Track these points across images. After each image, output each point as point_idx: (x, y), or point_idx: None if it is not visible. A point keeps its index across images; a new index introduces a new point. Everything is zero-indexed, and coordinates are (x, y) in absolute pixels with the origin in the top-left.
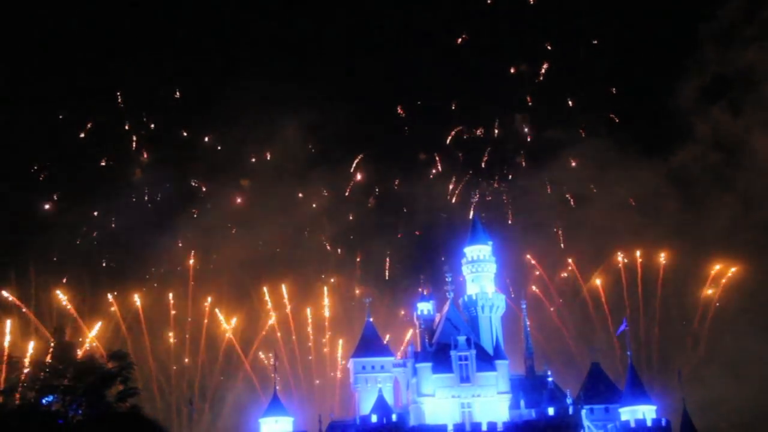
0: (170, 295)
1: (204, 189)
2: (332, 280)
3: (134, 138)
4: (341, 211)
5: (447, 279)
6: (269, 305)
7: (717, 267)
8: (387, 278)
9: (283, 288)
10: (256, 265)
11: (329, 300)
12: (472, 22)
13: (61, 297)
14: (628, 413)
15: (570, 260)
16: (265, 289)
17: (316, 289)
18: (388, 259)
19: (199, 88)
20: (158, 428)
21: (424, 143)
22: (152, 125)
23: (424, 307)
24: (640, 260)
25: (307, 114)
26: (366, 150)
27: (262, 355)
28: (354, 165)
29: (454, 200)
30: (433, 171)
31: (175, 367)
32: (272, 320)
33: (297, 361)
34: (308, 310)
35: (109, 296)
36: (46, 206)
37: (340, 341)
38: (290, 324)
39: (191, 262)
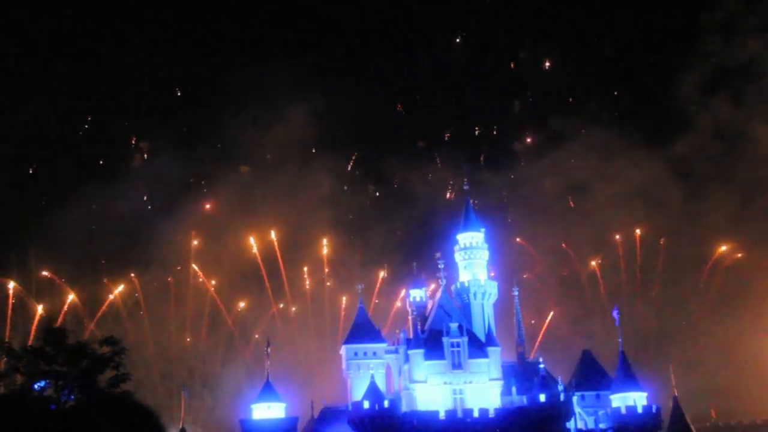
0: (169, 281)
1: (205, 176)
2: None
3: (134, 138)
4: (342, 200)
5: (439, 266)
6: (254, 249)
7: (723, 248)
8: (385, 266)
9: (272, 234)
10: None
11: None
12: (473, 18)
13: (59, 283)
14: (619, 400)
15: (564, 245)
16: (251, 239)
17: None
18: (386, 247)
19: (200, 74)
20: (149, 413)
21: (424, 137)
22: (152, 114)
23: (417, 294)
24: (639, 248)
25: (310, 102)
26: (366, 142)
27: (257, 336)
28: (354, 158)
29: (451, 191)
30: (432, 167)
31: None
32: (277, 308)
33: (295, 341)
34: (305, 269)
35: (105, 281)
36: (44, 200)
37: (344, 298)
38: (282, 276)
39: (192, 247)
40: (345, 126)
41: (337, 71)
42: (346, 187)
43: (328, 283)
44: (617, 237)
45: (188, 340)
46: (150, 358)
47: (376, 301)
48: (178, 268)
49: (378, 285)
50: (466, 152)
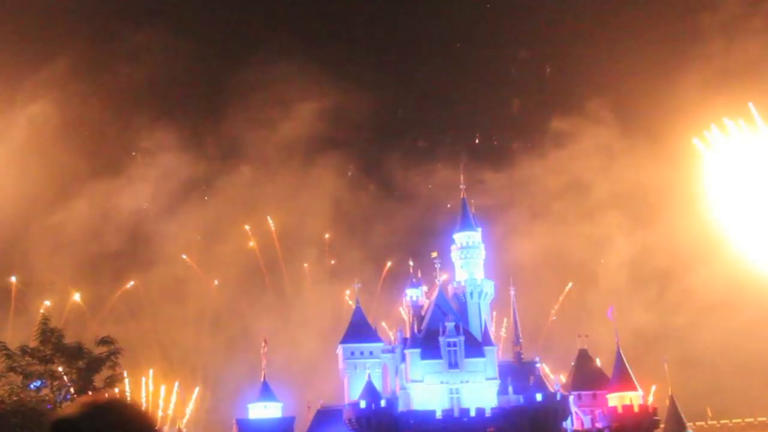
0: (171, 280)
1: (208, 175)
2: (333, 262)
3: (137, 136)
4: (343, 199)
5: (436, 265)
6: (250, 240)
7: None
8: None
9: (269, 220)
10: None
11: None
12: (473, 21)
13: (62, 283)
14: (616, 399)
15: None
16: (247, 226)
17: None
18: (386, 246)
19: (205, 71)
20: (140, 412)
21: (425, 137)
22: (156, 111)
23: (414, 294)
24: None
25: (315, 102)
26: (369, 142)
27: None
28: (356, 157)
29: (450, 197)
30: (432, 166)
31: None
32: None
33: (294, 340)
34: (305, 266)
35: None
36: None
37: (347, 291)
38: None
39: (195, 246)
40: (348, 126)
41: (343, 71)
42: (347, 187)
43: (333, 264)
44: (616, 241)
45: (190, 339)
46: (152, 358)
47: (378, 296)
48: (180, 267)
49: (382, 278)
50: (466, 152)
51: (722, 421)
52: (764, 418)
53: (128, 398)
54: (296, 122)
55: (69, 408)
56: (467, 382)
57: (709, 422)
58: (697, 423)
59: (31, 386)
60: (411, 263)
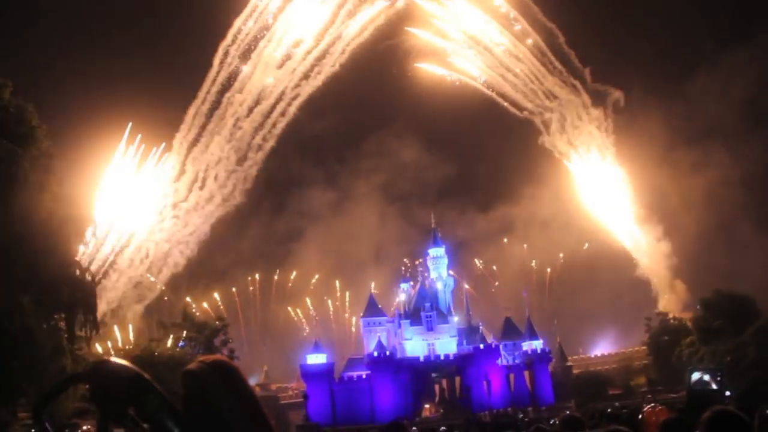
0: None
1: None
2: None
3: None
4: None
5: (419, 269)
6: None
7: None
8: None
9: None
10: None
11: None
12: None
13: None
14: (527, 346)
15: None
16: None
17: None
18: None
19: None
20: (237, 369)
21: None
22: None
23: (405, 286)
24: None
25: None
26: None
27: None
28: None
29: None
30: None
31: None
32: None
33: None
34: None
35: None
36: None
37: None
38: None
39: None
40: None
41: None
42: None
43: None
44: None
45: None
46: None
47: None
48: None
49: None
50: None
51: (588, 354)
52: (612, 351)
53: (232, 357)
54: (388, 176)
55: (192, 363)
56: (438, 338)
57: (581, 355)
58: (573, 357)
59: (180, 345)
60: (403, 268)
